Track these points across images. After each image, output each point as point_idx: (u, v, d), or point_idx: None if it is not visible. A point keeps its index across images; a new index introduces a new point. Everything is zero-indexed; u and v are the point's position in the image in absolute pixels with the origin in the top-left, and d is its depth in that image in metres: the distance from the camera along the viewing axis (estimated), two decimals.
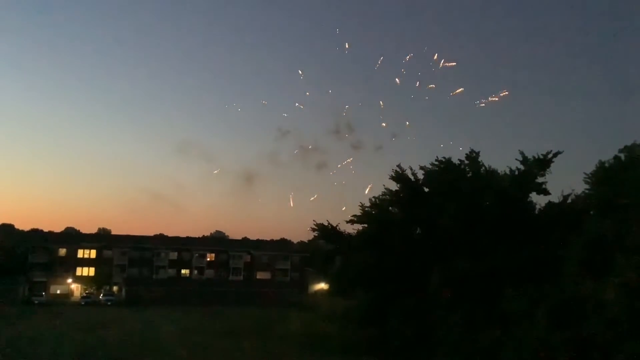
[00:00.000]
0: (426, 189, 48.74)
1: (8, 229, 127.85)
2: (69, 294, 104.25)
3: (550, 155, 42.67)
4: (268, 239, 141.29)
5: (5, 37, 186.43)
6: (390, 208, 50.27)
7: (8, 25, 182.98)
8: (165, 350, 42.43)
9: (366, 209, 49.50)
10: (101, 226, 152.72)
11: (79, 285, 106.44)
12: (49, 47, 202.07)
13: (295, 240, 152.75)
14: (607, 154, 43.58)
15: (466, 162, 46.25)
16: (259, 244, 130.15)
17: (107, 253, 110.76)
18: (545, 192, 43.73)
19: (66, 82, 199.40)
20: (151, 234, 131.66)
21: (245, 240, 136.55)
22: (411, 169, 48.27)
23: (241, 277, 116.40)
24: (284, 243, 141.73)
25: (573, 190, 43.79)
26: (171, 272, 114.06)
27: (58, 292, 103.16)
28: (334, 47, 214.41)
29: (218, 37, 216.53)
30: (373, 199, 49.98)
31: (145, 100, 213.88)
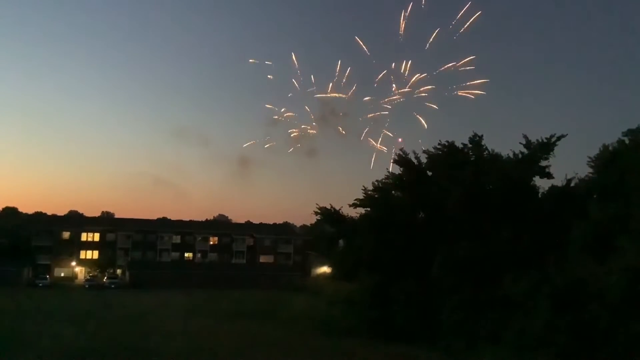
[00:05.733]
0: (429, 173, 48.66)
1: (12, 212, 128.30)
2: (73, 277, 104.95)
3: (553, 139, 42.36)
4: (271, 222, 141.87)
5: (7, 29, 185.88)
6: (393, 192, 50.25)
7: (10, 18, 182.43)
8: (168, 331, 42.71)
9: (369, 192, 49.54)
10: (104, 210, 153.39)
11: (83, 268, 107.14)
12: (49, 36, 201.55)
13: (298, 224, 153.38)
14: (611, 138, 43.34)
15: (469, 146, 46.05)
16: (262, 227, 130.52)
17: (111, 236, 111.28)
18: (549, 176, 43.52)
19: (66, 69, 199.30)
20: (154, 217, 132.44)
21: (248, 223, 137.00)
22: (414, 152, 48.27)
23: (244, 261, 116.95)
24: (286, 227, 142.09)
25: (577, 174, 43.64)
26: (174, 255, 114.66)
27: (62, 275, 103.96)
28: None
29: (211, 24, 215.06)
30: (376, 183, 50.06)
31: (144, 85, 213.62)
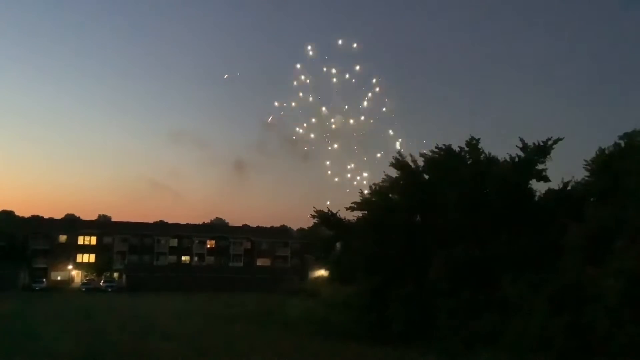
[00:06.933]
0: (426, 176, 48.77)
1: (8, 215, 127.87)
2: (70, 280, 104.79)
3: (550, 142, 42.52)
4: (268, 226, 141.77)
5: (4, 32, 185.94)
6: (390, 195, 50.32)
7: (7, 20, 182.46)
8: (166, 334, 42.68)
9: (366, 195, 49.68)
10: (101, 213, 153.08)
11: (80, 272, 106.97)
12: (46, 39, 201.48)
13: (295, 227, 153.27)
14: (607, 141, 43.39)
15: (466, 149, 46.14)
16: (259, 230, 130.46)
17: (108, 240, 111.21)
18: (545, 179, 43.65)
19: (63, 72, 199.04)
20: (151, 220, 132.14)
21: (245, 227, 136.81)
22: (411, 155, 48.46)
23: (241, 264, 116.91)
24: (284, 230, 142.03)
25: (573, 177, 43.78)
26: (171, 258, 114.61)
27: (59, 278, 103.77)
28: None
29: (209, 27, 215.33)
30: (373, 186, 50.19)
31: (140, 88, 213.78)
